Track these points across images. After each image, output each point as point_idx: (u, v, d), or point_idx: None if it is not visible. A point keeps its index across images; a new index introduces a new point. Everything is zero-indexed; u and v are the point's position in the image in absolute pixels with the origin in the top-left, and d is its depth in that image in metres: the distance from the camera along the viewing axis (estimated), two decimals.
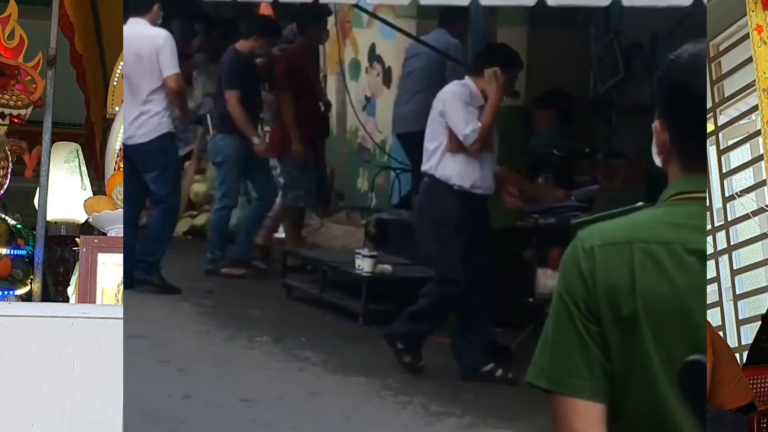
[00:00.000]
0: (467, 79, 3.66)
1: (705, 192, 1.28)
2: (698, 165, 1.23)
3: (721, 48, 5.26)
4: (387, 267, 4.42)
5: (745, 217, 5.01)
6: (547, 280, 3.82)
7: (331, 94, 5.79)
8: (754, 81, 3.95)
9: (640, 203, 3.53)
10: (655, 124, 1.26)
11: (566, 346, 1.23)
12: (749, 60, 4.20)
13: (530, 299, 3.90)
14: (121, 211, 3.65)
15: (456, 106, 3.59)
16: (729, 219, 5.16)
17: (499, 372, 3.64)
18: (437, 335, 3.99)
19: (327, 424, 3.20)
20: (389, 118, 5.38)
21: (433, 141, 3.70)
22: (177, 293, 4.45)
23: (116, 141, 3.94)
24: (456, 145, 3.59)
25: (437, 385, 3.67)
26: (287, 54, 5.06)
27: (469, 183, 3.59)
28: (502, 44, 4.06)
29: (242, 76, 4.91)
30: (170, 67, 4.29)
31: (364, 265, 4.34)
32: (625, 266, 1.20)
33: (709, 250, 5.03)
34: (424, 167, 3.73)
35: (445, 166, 3.66)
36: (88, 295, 3.40)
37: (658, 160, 1.28)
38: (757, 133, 4.50)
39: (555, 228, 4.06)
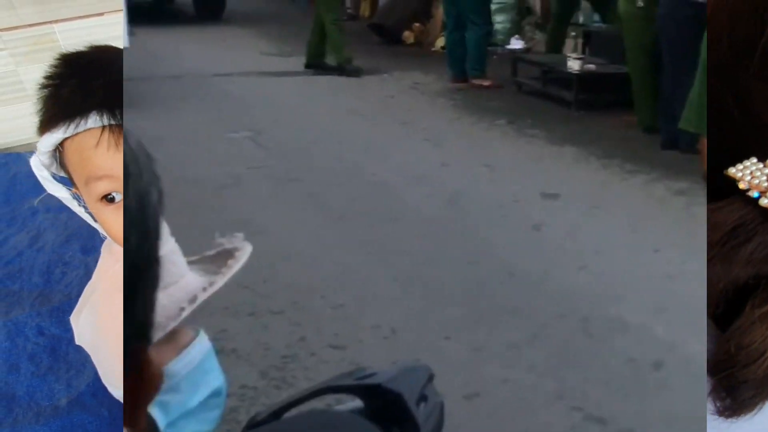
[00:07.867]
0: None
1: None
2: None
3: None
4: (591, 66, 4.89)
5: None
6: None
7: None
8: None
9: None
10: None
11: None
12: None
13: None
14: None
15: None
16: None
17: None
18: (626, 114, 4.37)
19: (545, 183, 3.58)
20: None
21: None
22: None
23: None
24: None
25: (632, 150, 3.99)
26: None
27: None
28: None
29: None
30: None
31: (574, 65, 4.84)
32: None
33: None
34: None
35: None
36: None
37: None
38: None
39: None
